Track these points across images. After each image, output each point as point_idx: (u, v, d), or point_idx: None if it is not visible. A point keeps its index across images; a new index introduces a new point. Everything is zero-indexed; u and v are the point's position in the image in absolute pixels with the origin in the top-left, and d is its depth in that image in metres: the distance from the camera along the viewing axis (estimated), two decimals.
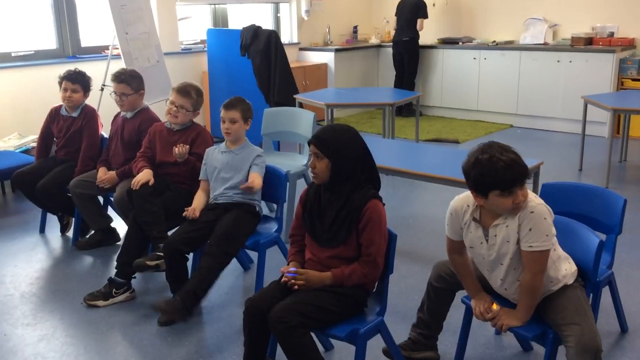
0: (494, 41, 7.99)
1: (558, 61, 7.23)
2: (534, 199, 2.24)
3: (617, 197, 2.73)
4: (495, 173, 2.12)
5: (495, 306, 2.35)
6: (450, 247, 2.45)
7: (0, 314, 3.27)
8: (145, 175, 3.44)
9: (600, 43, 7.10)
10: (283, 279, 2.42)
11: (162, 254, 3.24)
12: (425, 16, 8.03)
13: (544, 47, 7.41)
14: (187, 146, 3.44)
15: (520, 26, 7.88)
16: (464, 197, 2.38)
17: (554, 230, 2.25)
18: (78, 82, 4.10)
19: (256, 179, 3.26)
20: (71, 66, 4.25)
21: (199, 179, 3.43)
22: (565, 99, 7.17)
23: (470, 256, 2.43)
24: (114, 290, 3.35)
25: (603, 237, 2.70)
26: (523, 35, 7.80)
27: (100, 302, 3.32)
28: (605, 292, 2.86)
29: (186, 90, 3.54)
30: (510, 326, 2.29)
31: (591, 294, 2.60)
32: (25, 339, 3.02)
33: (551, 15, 7.70)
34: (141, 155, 3.64)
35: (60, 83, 4.11)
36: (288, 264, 2.54)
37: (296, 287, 2.36)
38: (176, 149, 3.40)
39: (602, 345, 2.11)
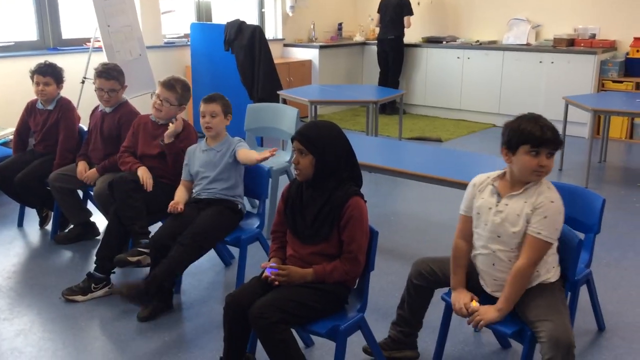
0: (478, 41, 8.04)
1: (540, 62, 7.29)
2: (557, 195, 2.29)
3: (596, 197, 2.76)
4: (533, 126, 2.24)
5: (474, 303, 2.36)
6: (460, 229, 2.47)
7: None
8: (148, 174, 3.44)
9: (582, 44, 7.18)
10: (264, 275, 2.41)
11: (143, 249, 3.21)
12: (410, 13, 8.04)
13: (526, 48, 7.48)
14: (181, 121, 3.43)
15: (504, 26, 7.94)
16: (488, 173, 2.45)
17: (561, 229, 2.29)
18: (49, 74, 4.03)
19: (248, 152, 3.22)
20: (52, 58, 4.19)
21: (181, 178, 3.40)
22: (547, 100, 7.24)
23: (474, 227, 2.42)
24: (92, 285, 3.31)
25: (582, 236, 2.74)
26: (506, 35, 7.86)
27: (79, 297, 3.28)
28: (584, 291, 2.89)
29: (171, 84, 3.51)
30: (487, 322, 2.29)
31: (569, 293, 2.63)
32: (1, 334, 2.98)
33: (534, 16, 7.77)
34: (125, 150, 3.60)
35: (32, 77, 4.04)
36: (269, 260, 2.53)
37: (277, 283, 2.35)
38: (171, 125, 3.39)
39: (579, 343, 2.14)
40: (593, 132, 5.45)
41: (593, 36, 7.30)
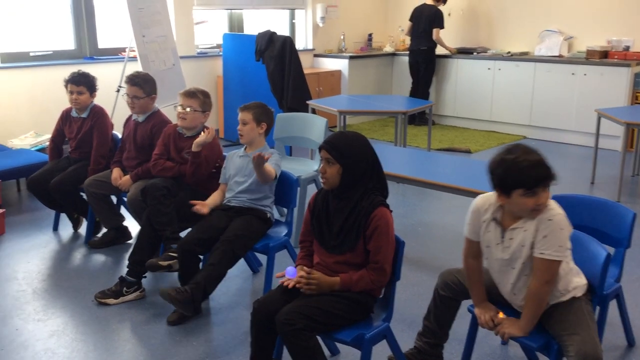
0: (509, 52, 7.99)
1: (573, 74, 7.22)
2: (556, 208, 2.25)
3: (626, 211, 2.73)
4: (521, 171, 2.15)
5: (501, 314, 2.36)
6: (467, 250, 2.46)
7: (12, 309, 3.33)
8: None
9: (616, 57, 7.08)
10: (283, 280, 2.45)
11: (174, 254, 3.28)
12: (441, 26, 8.04)
13: (558, 60, 7.41)
14: (214, 130, 3.50)
15: (535, 38, 7.89)
16: (488, 196, 2.39)
17: (569, 244, 2.25)
18: (82, 83, 4.15)
19: (270, 167, 3.26)
20: (88, 67, 4.33)
21: (219, 182, 3.49)
22: (579, 112, 7.15)
23: (485, 257, 2.43)
24: (124, 289, 3.39)
25: (612, 250, 2.72)
26: (538, 46, 7.80)
27: (111, 301, 3.37)
28: (613, 305, 2.86)
29: (191, 92, 3.61)
30: (512, 335, 2.30)
31: (598, 307, 2.60)
32: (36, 334, 3.07)
33: (567, 28, 7.70)
34: (159, 157, 3.69)
35: (66, 86, 4.17)
36: (296, 267, 2.56)
37: (307, 289, 2.38)
38: (204, 133, 3.46)
39: (608, 358, 2.11)
40: (626, 145, 5.37)
41: (627, 48, 7.20)
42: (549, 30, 7.77)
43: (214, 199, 3.42)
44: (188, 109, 3.57)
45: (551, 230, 2.20)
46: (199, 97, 3.60)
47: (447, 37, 8.37)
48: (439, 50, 8.24)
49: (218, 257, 3.06)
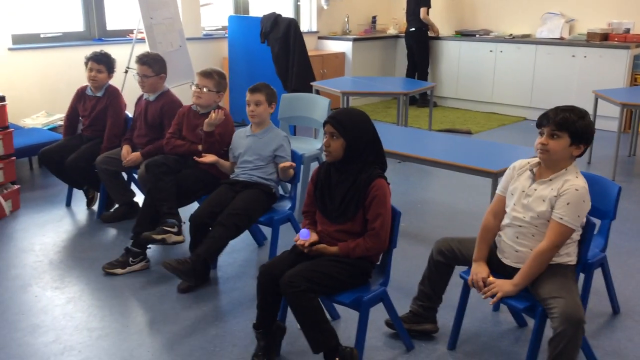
0: (511, 34, 8.08)
1: (573, 56, 7.32)
2: (583, 183, 2.42)
3: (612, 185, 2.88)
4: (549, 111, 2.47)
5: (491, 277, 2.52)
6: (493, 207, 2.64)
7: (31, 278, 3.51)
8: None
9: (616, 39, 7.18)
10: (298, 242, 2.64)
11: (168, 228, 3.47)
12: (426, 5, 8.10)
13: (559, 42, 7.50)
14: (223, 112, 3.62)
15: (537, 20, 7.97)
16: (528, 159, 2.61)
17: (584, 216, 2.42)
18: (103, 62, 4.31)
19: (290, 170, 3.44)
20: (97, 48, 4.46)
21: (228, 160, 3.66)
22: (579, 94, 7.26)
23: (506, 207, 2.58)
24: (130, 259, 3.57)
25: (599, 222, 2.87)
26: (540, 29, 7.89)
27: (118, 270, 3.54)
28: (599, 275, 3.02)
29: (208, 72, 3.75)
30: (503, 295, 2.45)
31: (582, 275, 2.77)
32: (54, 301, 3.26)
33: (568, 10, 7.78)
34: (172, 136, 3.85)
35: (86, 63, 4.33)
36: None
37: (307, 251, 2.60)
38: (213, 114, 3.58)
39: (594, 324, 2.24)
40: (623, 126, 5.49)
41: (627, 31, 7.29)
42: (551, 12, 7.85)
43: (223, 160, 3.60)
44: (204, 89, 3.72)
45: (575, 199, 2.37)
46: (214, 78, 3.74)
47: (449, 19, 8.46)
48: (442, 32, 8.31)
49: (220, 230, 3.22)
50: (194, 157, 3.60)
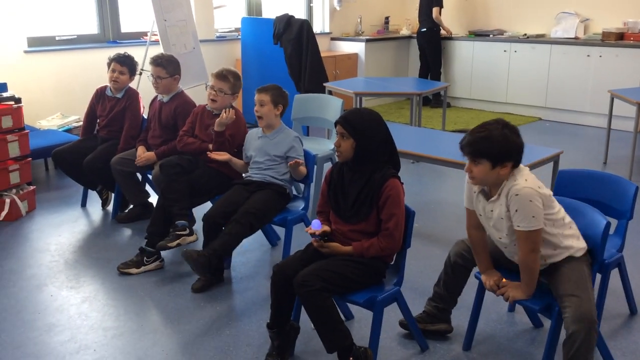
0: (525, 34, 8.03)
1: (588, 55, 7.26)
2: (522, 182, 2.35)
3: (629, 184, 2.85)
4: None
5: (504, 280, 2.51)
6: (468, 220, 2.61)
7: (46, 277, 3.54)
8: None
9: (632, 38, 7.10)
10: (311, 231, 2.63)
11: (180, 232, 3.49)
12: (438, 4, 8.07)
13: (574, 42, 7.44)
14: (234, 111, 3.62)
15: (551, 20, 7.91)
16: None
17: (541, 212, 2.33)
18: (126, 65, 4.35)
19: (302, 168, 3.45)
20: (111, 51, 4.50)
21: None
22: (594, 94, 7.20)
23: (484, 224, 2.56)
24: (145, 258, 3.59)
25: (615, 222, 2.85)
26: (554, 29, 7.83)
27: (133, 270, 3.56)
28: (616, 275, 2.98)
29: (223, 75, 3.74)
30: (515, 298, 2.45)
31: (599, 275, 2.74)
32: (69, 300, 3.28)
33: (583, 10, 7.72)
34: (185, 134, 3.87)
35: (109, 64, 4.36)
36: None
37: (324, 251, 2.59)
38: (224, 113, 3.58)
39: (610, 325, 2.21)
40: (639, 125, 5.43)
41: None
42: (565, 12, 7.79)
43: (236, 159, 3.61)
44: (220, 93, 3.72)
45: (520, 203, 2.33)
46: (230, 80, 3.74)
47: (463, 20, 8.42)
48: (455, 32, 8.28)
49: (236, 227, 3.22)
50: (207, 152, 3.60)
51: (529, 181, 2.37)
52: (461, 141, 2.39)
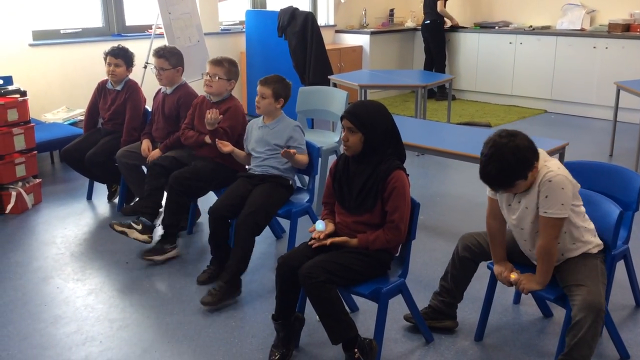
0: (531, 26, 7.99)
1: (594, 47, 7.22)
2: (555, 169, 2.37)
3: (635, 176, 2.83)
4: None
5: (513, 275, 2.50)
6: (489, 210, 2.61)
7: (52, 270, 3.56)
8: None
9: (638, 30, 7.05)
10: (312, 233, 2.63)
11: (134, 225, 3.64)
12: None
13: (580, 33, 7.40)
14: (218, 111, 3.57)
15: (557, 11, 7.86)
16: None
17: (570, 202, 2.36)
18: (121, 57, 4.35)
19: (300, 156, 3.42)
20: (116, 44, 4.50)
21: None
22: (600, 86, 7.16)
23: (505, 216, 2.56)
24: (166, 246, 3.64)
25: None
26: (560, 20, 7.78)
27: (157, 257, 3.61)
28: (622, 268, 2.97)
29: (218, 60, 3.74)
30: (531, 289, 2.45)
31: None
32: (76, 292, 3.30)
33: (589, 1, 7.66)
34: (186, 127, 3.87)
35: (105, 58, 4.38)
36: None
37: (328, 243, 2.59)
38: (208, 114, 3.56)
39: (615, 316, 2.20)
40: None
41: None
42: (571, 3, 7.73)
43: (239, 150, 3.60)
44: (215, 77, 3.72)
45: (552, 190, 2.33)
46: (224, 65, 3.73)
47: (468, 11, 8.38)
48: (461, 23, 8.24)
49: (242, 234, 3.16)
50: (213, 140, 3.61)
51: (561, 168, 2.38)
52: (483, 178, 2.37)
